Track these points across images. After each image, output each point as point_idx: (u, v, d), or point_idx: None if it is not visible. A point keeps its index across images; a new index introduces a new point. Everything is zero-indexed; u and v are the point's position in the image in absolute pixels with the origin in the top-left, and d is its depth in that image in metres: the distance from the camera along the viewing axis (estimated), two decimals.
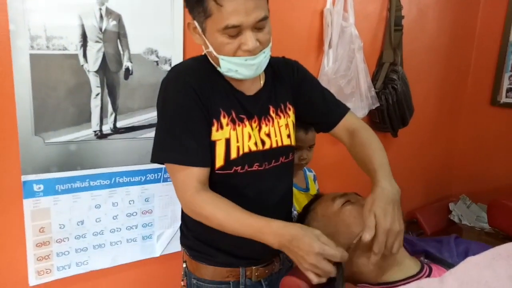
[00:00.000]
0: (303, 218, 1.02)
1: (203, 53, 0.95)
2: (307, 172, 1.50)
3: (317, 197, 1.06)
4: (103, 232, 1.33)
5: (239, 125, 0.94)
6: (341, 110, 1.08)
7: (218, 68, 0.91)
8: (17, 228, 1.18)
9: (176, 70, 0.95)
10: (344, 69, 1.71)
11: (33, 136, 1.15)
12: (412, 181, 2.34)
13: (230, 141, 0.93)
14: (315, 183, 1.52)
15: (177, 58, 1.34)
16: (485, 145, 2.43)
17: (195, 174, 0.88)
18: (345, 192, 0.99)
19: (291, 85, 1.05)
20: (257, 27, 0.83)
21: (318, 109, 1.07)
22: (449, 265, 0.87)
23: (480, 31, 2.38)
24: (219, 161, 0.93)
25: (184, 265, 1.10)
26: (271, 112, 1.00)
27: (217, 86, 0.93)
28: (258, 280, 1.04)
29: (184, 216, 1.05)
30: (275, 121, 1.00)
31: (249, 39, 0.83)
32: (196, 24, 0.87)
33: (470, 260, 0.70)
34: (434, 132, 2.39)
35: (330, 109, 1.08)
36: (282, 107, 1.02)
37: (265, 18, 0.84)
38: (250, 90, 0.98)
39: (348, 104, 1.71)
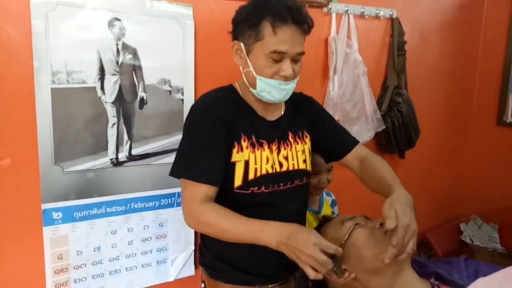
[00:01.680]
0: None
1: (237, 80, 1.09)
2: (325, 196, 1.51)
3: (326, 220, 1.09)
4: (119, 257, 1.36)
5: (258, 149, 1.03)
6: (353, 140, 1.19)
7: (251, 89, 1.02)
8: (37, 255, 1.22)
9: (205, 98, 1.05)
10: (349, 94, 1.75)
11: (53, 166, 1.20)
12: (421, 202, 2.30)
13: (249, 163, 1.01)
14: (333, 207, 1.52)
15: (189, 87, 1.40)
16: (494, 165, 2.43)
17: (204, 190, 0.96)
18: (353, 215, 1.01)
19: (309, 116, 1.16)
20: (295, 59, 0.98)
21: (332, 138, 1.18)
22: (459, 287, 0.88)
23: (482, 53, 2.42)
24: (238, 181, 1.00)
25: (203, 285, 1.16)
26: (289, 138, 1.10)
27: (241, 112, 1.04)
28: None
29: (203, 235, 1.10)
30: (293, 146, 1.09)
31: (288, 67, 0.96)
32: (242, 45, 0.99)
33: (481, 282, 0.70)
34: (442, 153, 2.41)
35: (343, 138, 1.19)
36: (300, 134, 1.12)
37: (302, 53, 0.99)
38: (272, 116, 1.09)
39: (355, 127, 1.79)
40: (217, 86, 1.10)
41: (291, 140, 1.10)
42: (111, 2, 1.23)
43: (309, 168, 1.13)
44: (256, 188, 1.02)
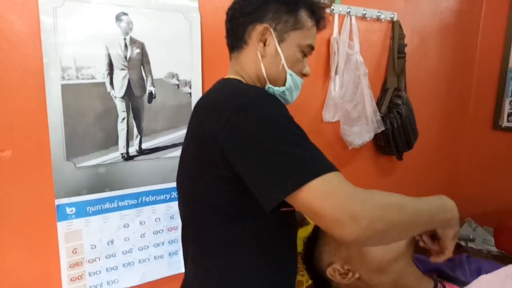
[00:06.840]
0: (313, 240, 0.99)
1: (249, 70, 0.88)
2: None
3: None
4: (132, 250, 1.38)
5: None
6: None
7: (269, 86, 0.85)
8: (52, 250, 1.23)
9: (258, 90, 0.78)
10: (350, 94, 1.77)
11: (65, 162, 1.21)
12: None
13: None
14: None
15: (197, 80, 1.41)
16: (489, 168, 2.43)
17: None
18: None
19: None
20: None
21: None
22: (462, 284, 0.87)
23: (479, 58, 2.42)
24: None
25: None
26: None
27: None
28: None
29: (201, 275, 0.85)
30: None
31: (307, 64, 0.89)
32: (272, 31, 0.82)
33: (483, 279, 0.70)
34: (438, 155, 2.42)
35: None
36: None
37: None
38: None
39: (355, 128, 1.80)
40: None
41: None
42: None
43: None
44: None
